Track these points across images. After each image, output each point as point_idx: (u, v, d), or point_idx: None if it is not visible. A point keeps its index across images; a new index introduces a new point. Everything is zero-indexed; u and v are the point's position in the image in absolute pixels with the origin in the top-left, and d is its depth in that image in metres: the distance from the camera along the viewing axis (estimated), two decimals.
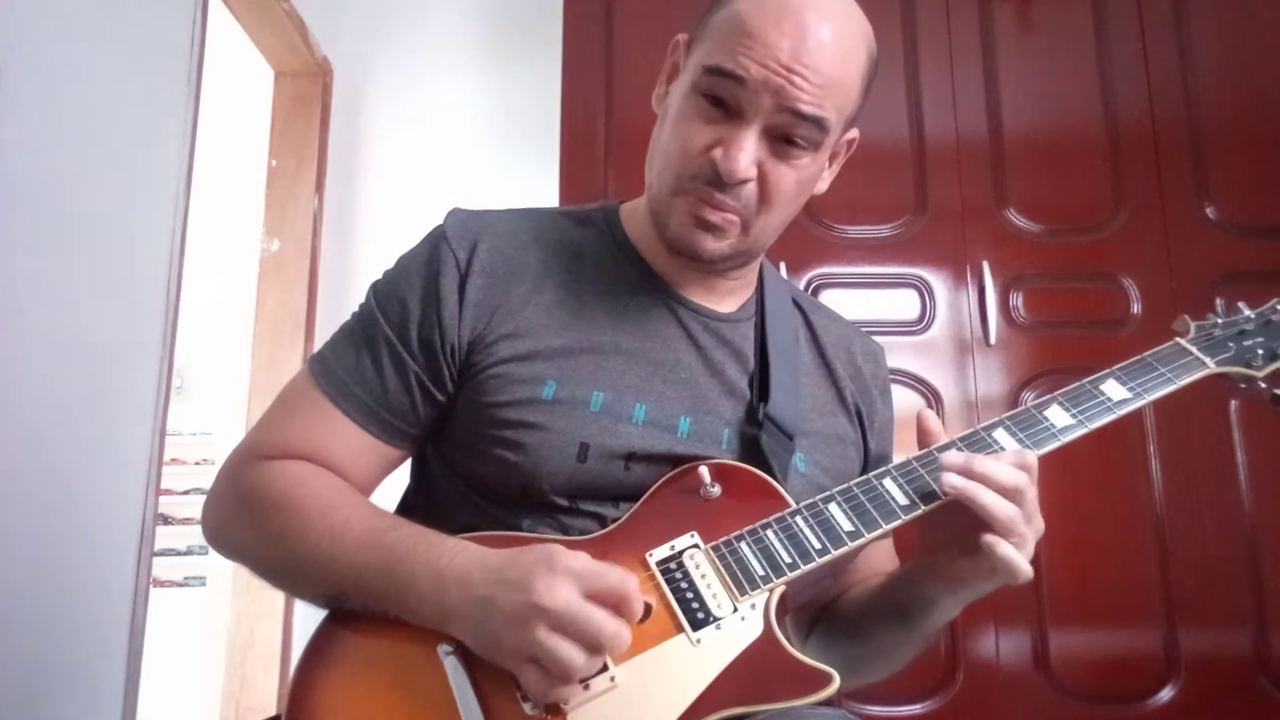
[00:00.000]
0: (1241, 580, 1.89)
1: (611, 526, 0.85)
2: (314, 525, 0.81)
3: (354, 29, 2.65)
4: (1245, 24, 2.15)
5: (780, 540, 0.82)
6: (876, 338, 1.13)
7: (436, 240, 0.93)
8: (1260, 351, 0.95)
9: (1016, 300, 2.03)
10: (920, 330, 2.02)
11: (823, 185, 0.96)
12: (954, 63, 2.14)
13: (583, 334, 0.90)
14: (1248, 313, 0.98)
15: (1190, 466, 1.94)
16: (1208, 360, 0.94)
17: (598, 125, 2.10)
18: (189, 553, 3.10)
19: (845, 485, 0.86)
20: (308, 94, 2.50)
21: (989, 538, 0.78)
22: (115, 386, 1.58)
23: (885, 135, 2.10)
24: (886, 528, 0.83)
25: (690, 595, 0.80)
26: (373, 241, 2.57)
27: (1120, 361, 0.93)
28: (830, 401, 1.00)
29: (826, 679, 0.76)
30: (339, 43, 2.55)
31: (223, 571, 2.56)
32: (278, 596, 2.26)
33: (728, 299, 0.98)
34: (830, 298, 2.00)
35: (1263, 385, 0.95)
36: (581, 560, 0.73)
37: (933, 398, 1.99)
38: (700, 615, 0.78)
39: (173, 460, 2.87)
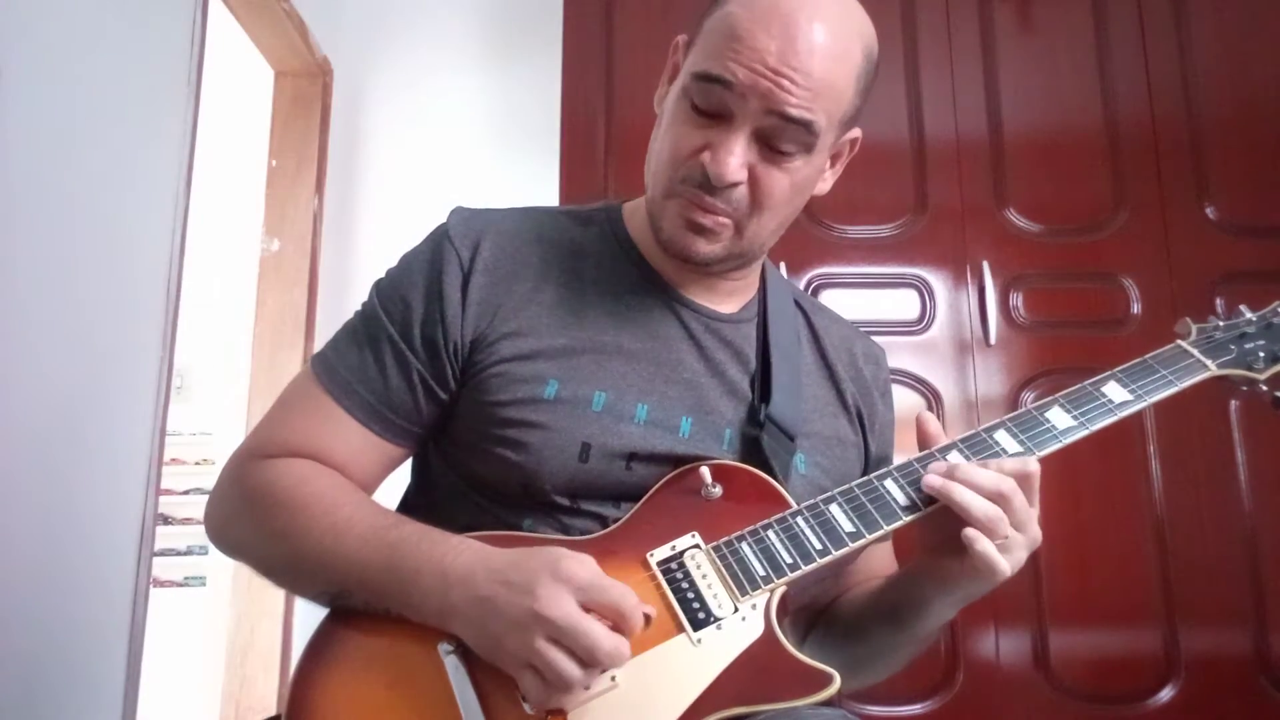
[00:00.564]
0: (1241, 580, 1.89)
1: (613, 526, 0.85)
2: (316, 523, 0.82)
3: (354, 29, 2.65)
4: (1245, 24, 2.15)
5: (781, 541, 0.82)
6: (876, 338, 1.13)
7: (439, 239, 0.93)
8: (1261, 354, 0.95)
9: (1016, 300, 2.04)
10: (920, 330, 2.02)
11: (824, 186, 0.96)
12: (954, 63, 2.14)
13: (585, 333, 0.90)
14: (1249, 315, 0.98)
15: (1190, 466, 1.94)
16: (1209, 363, 0.94)
17: (598, 125, 2.10)
18: (189, 553, 3.10)
19: (846, 486, 0.86)
20: (308, 94, 2.50)
21: (969, 532, 0.79)
22: (115, 386, 1.58)
23: (885, 135, 2.10)
24: (887, 529, 0.83)
25: (691, 595, 0.80)
26: (373, 241, 2.57)
27: (1120, 362, 0.93)
28: (831, 403, 1.00)
29: (827, 679, 0.76)
30: (339, 43, 2.55)
31: (223, 571, 2.56)
32: (278, 596, 2.26)
33: (729, 300, 0.98)
34: (830, 298, 2.00)
35: (1264, 388, 0.95)
36: (586, 570, 0.73)
37: (933, 398, 1.99)
38: (701, 615, 0.79)
39: (173, 460, 2.87)
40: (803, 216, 2.00)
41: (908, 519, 0.83)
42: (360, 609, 0.80)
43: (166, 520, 2.91)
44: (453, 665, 0.75)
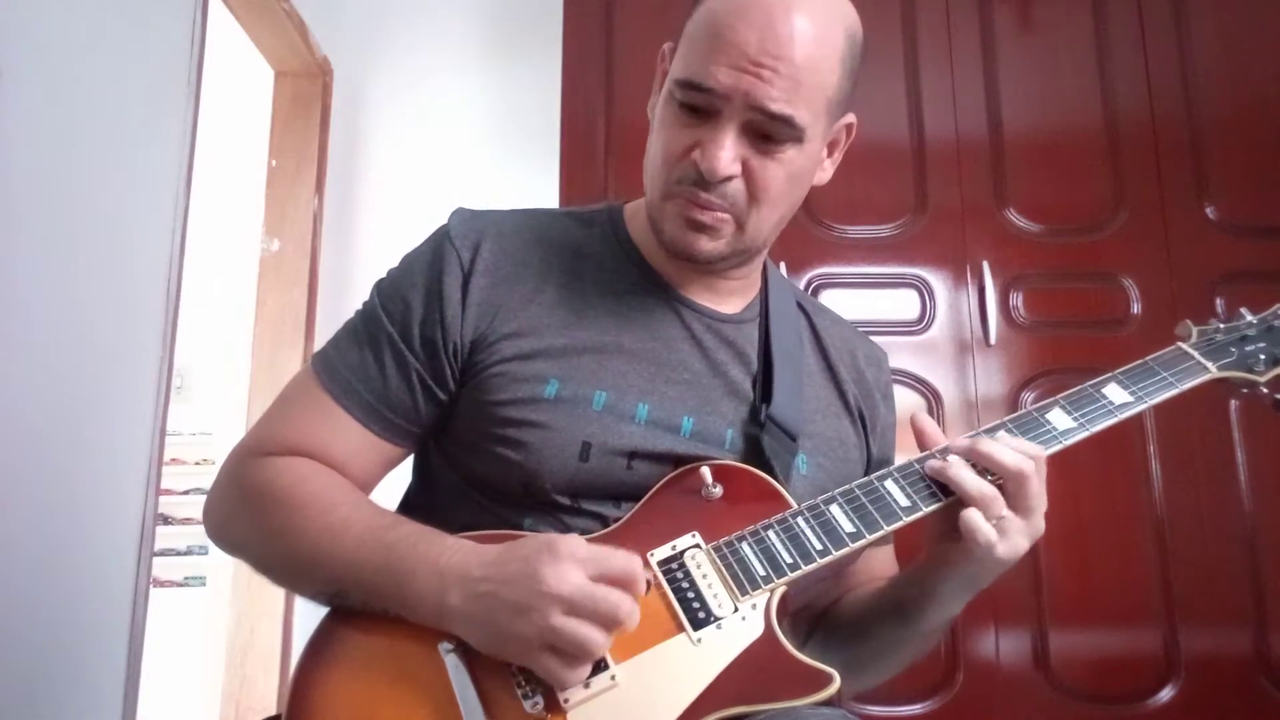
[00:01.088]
0: (1241, 580, 1.89)
1: (613, 526, 0.85)
2: (314, 522, 0.82)
3: (354, 29, 2.65)
4: (1245, 24, 2.15)
5: (781, 541, 0.82)
6: (876, 338, 1.13)
7: (440, 239, 0.93)
8: (1262, 356, 0.95)
9: (1016, 300, 2.04)
10: (920, 330, 2.02)
11: (824, 176, 0.95)
12: (954, 63, 2.14)
13: (585, 333, 0.90)
14: (1250, 317, 0.98)
15: (1190, 466, 1.94)
16: (1209, 365, 0.94)
17: (598, 125, 2.10)
18: (189, 553, 3.10)
19: (847, 486, 0.86)
20: (308, 94, 2.50)
21: (964, 510, 0.80)
22: (115, 386, 1.58)
23: (885, 135, 2.10)
24: (888, 529, 0.83)
25: (691, 595, 0.80)
26: (373, 241, 2.57)
27: (1120, 362, 0.93)
28: (833, 404, 1.00)
29: (827, 679, 0.76)
30: (339, 43, 2.55)
31: (223, 571, 2.56)
32: (278, 596, 2.26)
33: (731, 300, 0.98)
34: (830, 298, 2.00)
35: (1264, 390, 0.95)
36: (582, 545, 0.74)
37: (933, 398, 1.99)
38: (701, 615, 0.79)
39: (173, 460, 2.87)
40: (803, 216, 2.02)
41: (908, 519, 0.84)
42: (359, 608, 0.80)
43: (166, 520, 2.91)
44: (453, 664, 0.75)
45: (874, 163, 2.07)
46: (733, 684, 0.76)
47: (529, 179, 2.35)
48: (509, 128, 2.59)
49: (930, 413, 1.98)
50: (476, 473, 0.89)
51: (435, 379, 0.89)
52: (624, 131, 2.08)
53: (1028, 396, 1.97)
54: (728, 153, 0.84)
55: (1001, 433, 0.87)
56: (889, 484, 0.85)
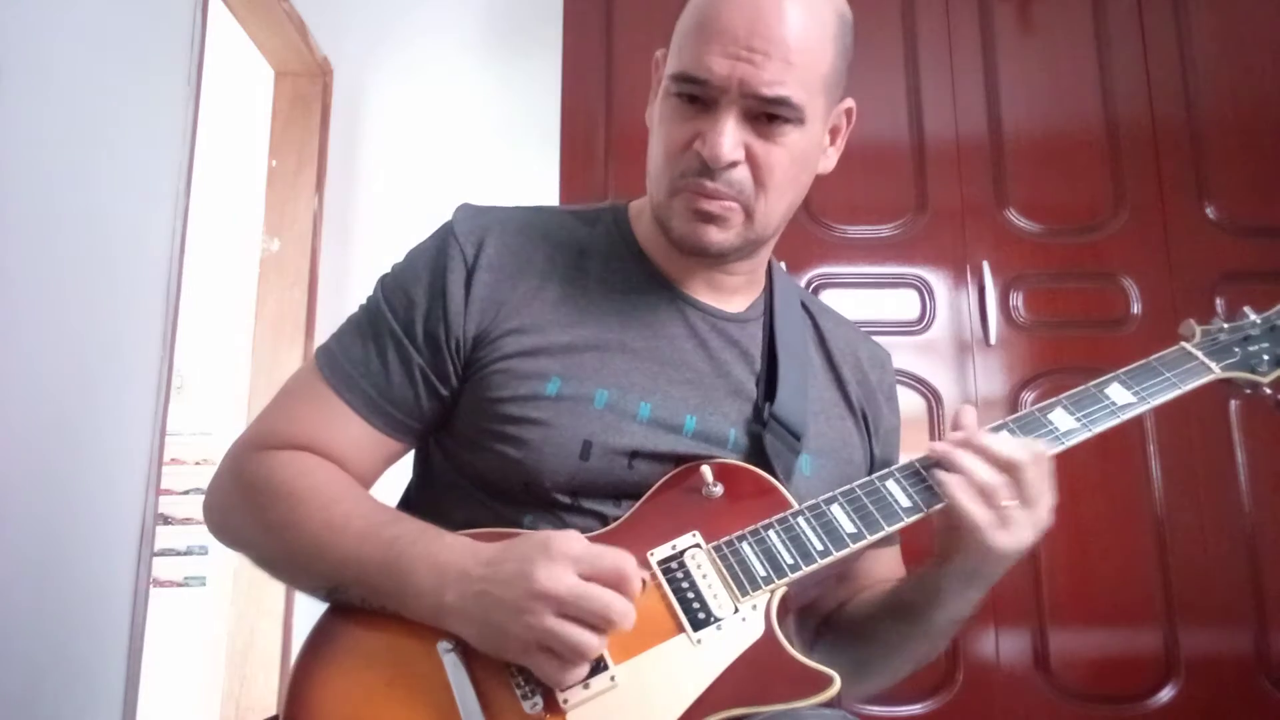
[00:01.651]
0: (1241, 580, 1.89)
1: (613, 525, 0.85)
2: (314, 517, 0.82)
3: (354, 29, 2.65)
4: (1245, 24, 2.15)
5: (782, 541, 0.82)
6: (877, 338, 1.13)
7: (444, 235, 0.93)
8: (1266, 357, 0.95)
9: (1016, 300, 2.03)
10: (920, 330, 2.02)
11: (828, 164, 0.95)
12: (954, 63, 2.13)
13: (588, 331, 0.90)
14: (1253, 317, 0.98)
15: (1190, 466, 1.94)
16: (1213, 365, 0.94)
17: (598, 125, 2.10)
18: (189, 553, 3.10)
19: (848, 486, 0.86)
20: (308, 94, 2.50)
21: (962, 499, 0.80)
22: (115, 386, 1.58)
23: (885, 135, 2.10)
24: (889, 529, 0.83)
25: (691, 595, 0.80)
26: (373, 241, 2.56)
27: (1121, 362, 0.93)
28: (837, 405, 1.00)
29: (827, 680, 0.76)
30: (339, 43, 2.55)
31: (223, 572, 2.56)
32: (278, 597, 2.26)
33: (735, 298, 0.98)
34: (830, 298, 2.00)
35: (1267, 391, 0.94)
36: (577, 543, 0.73)
37: (933, 398, 1.99)
38: (701, 615, 0.78)
39: (173, 460, 2.87)
40: (803, 216, 2.02)
41: (909, 520, 0.84)
42: (358, 604, 0.80)
43: (166, 520, 2.91)
44: (451, 663, 0.74)
45: (874, 163, 2.07)
46: (733, 685, 0.75)
47: (529, 179, 2.35)
48: (509, 128, 2.59)
49: (930, 413, 1.98)
50: (477, 470, 0.89)
51: (438, 374, 0.89)
52: (624, 131, 2.08)
53: (1028, 396, 1.97)
54: (729, 138, 0.84)
55: (1004, 433, 0.87)
56: (890, 484, 0.85)
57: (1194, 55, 2.13)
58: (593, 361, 0.89)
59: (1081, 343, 2.00)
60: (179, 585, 3.09)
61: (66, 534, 1.46)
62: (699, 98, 0.85)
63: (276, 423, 0.91)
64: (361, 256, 2.55)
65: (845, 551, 0.82)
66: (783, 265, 1.08)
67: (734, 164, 0.85)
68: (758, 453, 0.90)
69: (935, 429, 1.98)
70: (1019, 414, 0.90)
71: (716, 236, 0.88)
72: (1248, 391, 0.95)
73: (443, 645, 0.75)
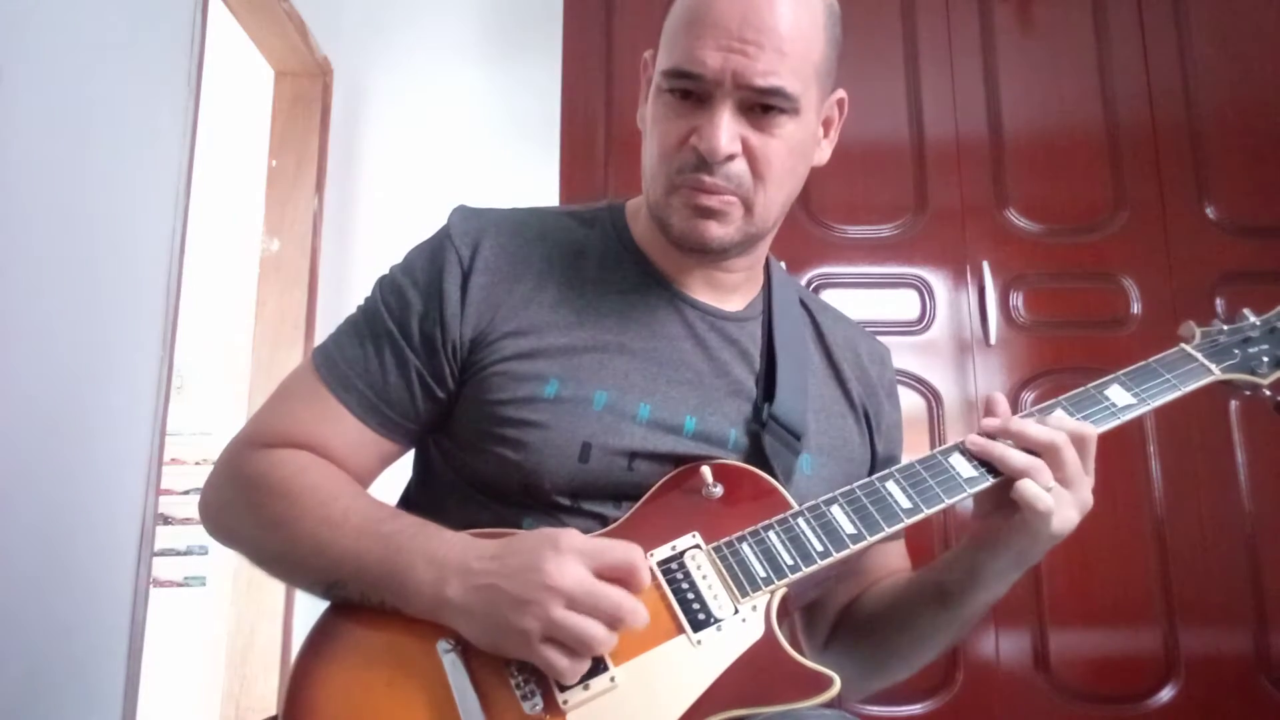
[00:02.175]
0: (1241, 580, 1.89)
1: (612, 526, 0.85)
2: (312, 513, 0.82)
3: (354, 29, 2.65)
4: (1245, 24, 2.15)
5: (782, 542, 0.82)
6: (876, 338, 1.13)
7: (440, 238, 0.93)
8: (1265, 359, 0.95)
9: (1016, 300, 2.03)
10: (920, 330, 2.02)
11: (822, 156, 0.95)
12: (954, 63, 2.13)
13: (586, 333, 0.90)
14: (1253, 319, 0.98)
15: (1190, 466, 1.94)
16: (1213, 367, 0.94)
17: (598, 125, 2.10)
18: (189, 553, 3.10)
19: (848, 487, 0.86)
20: (308, 94, 2.50)
21: (1017, 481, 0.81)
22: (115, 386, 1.58)
23: (885, 135, 2.10)
24: (889, 530, 0.83)
25: (691, 596, 0.79)
26: (373, 241, 2.56)
27: (1120, 362, 0.93)
28: (838, 403, 1.00)
29: (827, 682, 0.76)
30: (339, 43, 2.55)
31: (223, 572, 2.56)
32: (278, 597, 2.26)
33: (734, 297, 0.98)
34: (830, 298, 1.99)
35: (1267, 393, 0.94)
36: (584, 538, 0.74)
37: (933, 398, 1.99)
38: (701, 616, 0.78)
39: (173, 460, 2.87)
40: (803, 216, 2.02)
41: (909, 521, 0.84)
42: (356, 600, 0.80)
43: (166, 520, 2.91)
44: (451, 663, 0.74)
45: (874, 163, 2.07)
46: (733, 686, 0.75)
47: (529, 179, 2.35)
48: (509, 128, 2.59)
49: (930, 413, 1.98)
50: (476, 472, 0.89)
51: (434, 377, 0.89)
52: (624, 131, 2.07)
53: (1028, 396, 1.97)
54: (726, 131, 0.83)
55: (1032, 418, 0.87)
56: (890, 485, 0.85)
57: (1194, 55, 2.13)
58: (591, 363, 0.88)
59: (1081, 343, 2.00)
60: (179, 585, 3.09)
61: (67, 534, 1.46)
62: (693, 93, 0.85)
63: (273, 421, 0.91)
64: (361, 256, 2.55)
65: (845, 553, 0.82)
66: (782, 265, 1.08)
67: (731, 157, 0.85)
68: (758, 453, 0.90)
69: (935, 429, 1.98)
70: (1020, 415, 0.89)
71: (717, 232, 0.88)
72: (1247, 393, 0.95)
73: (442, 645, 0.75)
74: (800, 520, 0.83)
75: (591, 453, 0.85)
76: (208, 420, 3.05)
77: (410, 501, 0.98)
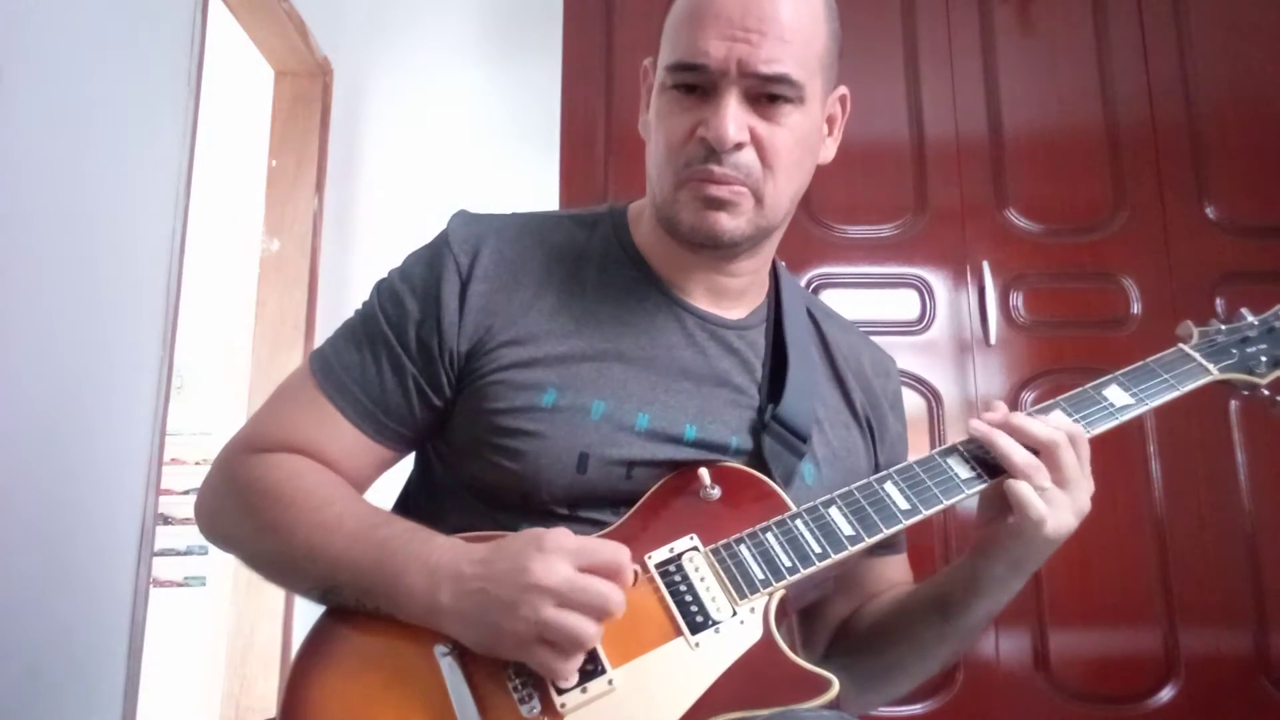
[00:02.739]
0: (1241, 580, 1.89)
1: (610, 528, 0.85)
2: (306, 518, 0.82)
3: (354, 29, 2.65)
4: (1245, 24, 2.15)
5: (780, 543, 0.82)
6: (877, 338, 1.13)
7: (440, 244, 0.93)
8: (1264, 359, 0.95)
9: (1016, 300, 2.03)
10: (920, 330, 2.02)
11: (827, 154, 0.95)
12: (954, 63, 2.13)
13: (585, 341, 0.89)
14: (1251, 319, 0.98)
15: (1190, 466, 1.94)
16: (1211, 367, 0.94)
17: (598, 125, 2.09)
18: (189, 553, 3.10)
19: (846, 489, 0.85)
20: (308, 94, 2.50)
21: (1009, 481, 0.81)
22: (115, 386, 1.58)
23: (885, 135, 2.09)
24: (887, 531, 0.83)
25: (689, 598, 0.79)
26: (373, 241, 2.56)
27: (1120, 362, 0.93)
28: (841, 412, 0.99)
29: (826, 683, 0.75)
30: (339, 43, 2.55)
31: (223, 572, 2.56)
32: (278, 597, 2.26)
33: (737, 305, 0.97)
34: (830, 298, 1.99)
35: (1265, 392, 0.94)
36: (569, 537, 0.74)
37: (933, 398, 1.99)
38: (699, 618, 0.78)
39: (173, 460, 2.87)
40: (803, 216, 2.02)
41: (907, 522, 0.83)
42: (351, 605, 0.80)
43: (166, 520, 2.91)
44: (448, 666, 0.74)
45: (874, 163, 2.06)
46: (731, 688, 0.75)
47: (529, 179, 2.35)
48: (509, 128, 2.59)
49: (930, 413, 1.98)
50: (474, 479, 0.89)
51: (431, 385, 0.89)
52: (624, 131, 2.07)
53: (1028, 396, 1.97)
54: (734, 119, 0.83)
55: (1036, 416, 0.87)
56: (889, 486, 0.85)
57: (1194, 55, 2.13)
58: (589, 372, 0.88)
59: (1081, 343, 2.00)
60: (179, 585, 3.10)
61: (67, 534, 1.46)
62: (697, 86, 0.85)
63: (269, 425, 0.91)
64: (361, 256, 2.55)
65: (843, 554, 0.81)
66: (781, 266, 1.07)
67: (740, 146, 0.84)
68: (758, 457, 0.89)
69: (935, 429, 1.98)
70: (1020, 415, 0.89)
71: (728, 224, 0.87)
72: (1245, 393, 0.95)
73: (439, 649, 0.75)
74: (798, 522, 0.83)
75: (589, 463, 0.85)
76: (208, 420, 3.05)
77: (408, 504, 0.98)
